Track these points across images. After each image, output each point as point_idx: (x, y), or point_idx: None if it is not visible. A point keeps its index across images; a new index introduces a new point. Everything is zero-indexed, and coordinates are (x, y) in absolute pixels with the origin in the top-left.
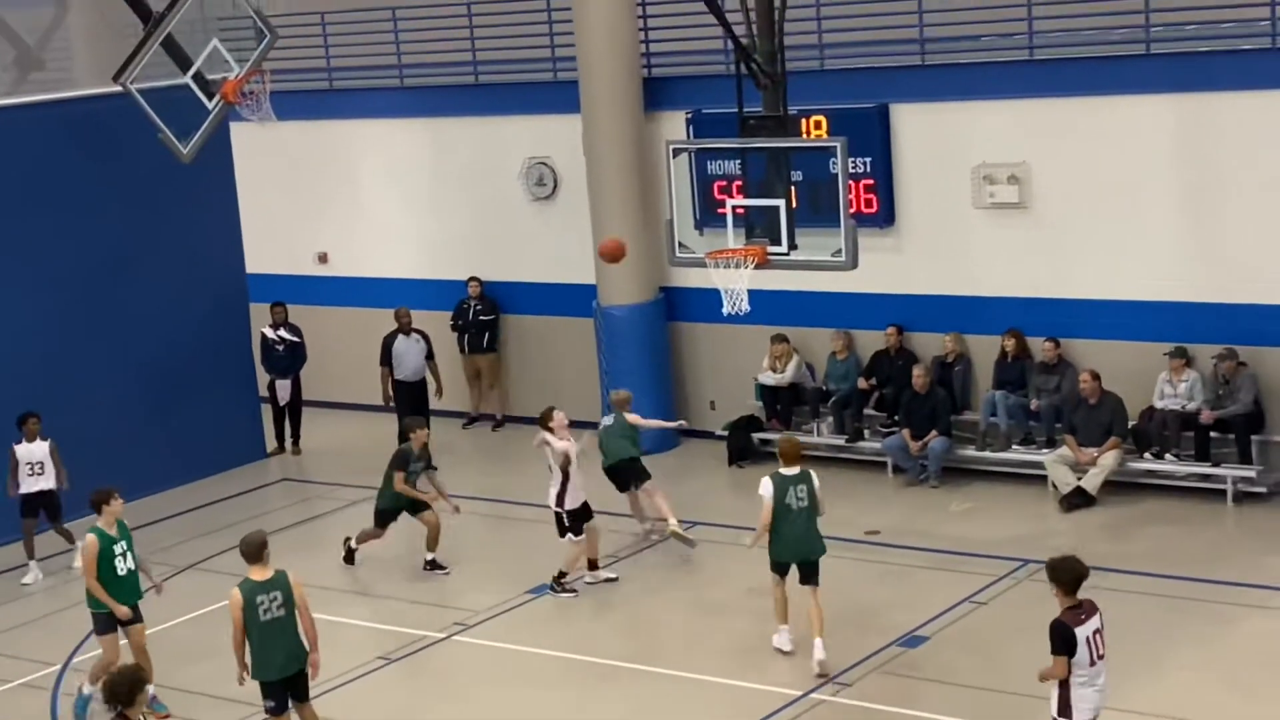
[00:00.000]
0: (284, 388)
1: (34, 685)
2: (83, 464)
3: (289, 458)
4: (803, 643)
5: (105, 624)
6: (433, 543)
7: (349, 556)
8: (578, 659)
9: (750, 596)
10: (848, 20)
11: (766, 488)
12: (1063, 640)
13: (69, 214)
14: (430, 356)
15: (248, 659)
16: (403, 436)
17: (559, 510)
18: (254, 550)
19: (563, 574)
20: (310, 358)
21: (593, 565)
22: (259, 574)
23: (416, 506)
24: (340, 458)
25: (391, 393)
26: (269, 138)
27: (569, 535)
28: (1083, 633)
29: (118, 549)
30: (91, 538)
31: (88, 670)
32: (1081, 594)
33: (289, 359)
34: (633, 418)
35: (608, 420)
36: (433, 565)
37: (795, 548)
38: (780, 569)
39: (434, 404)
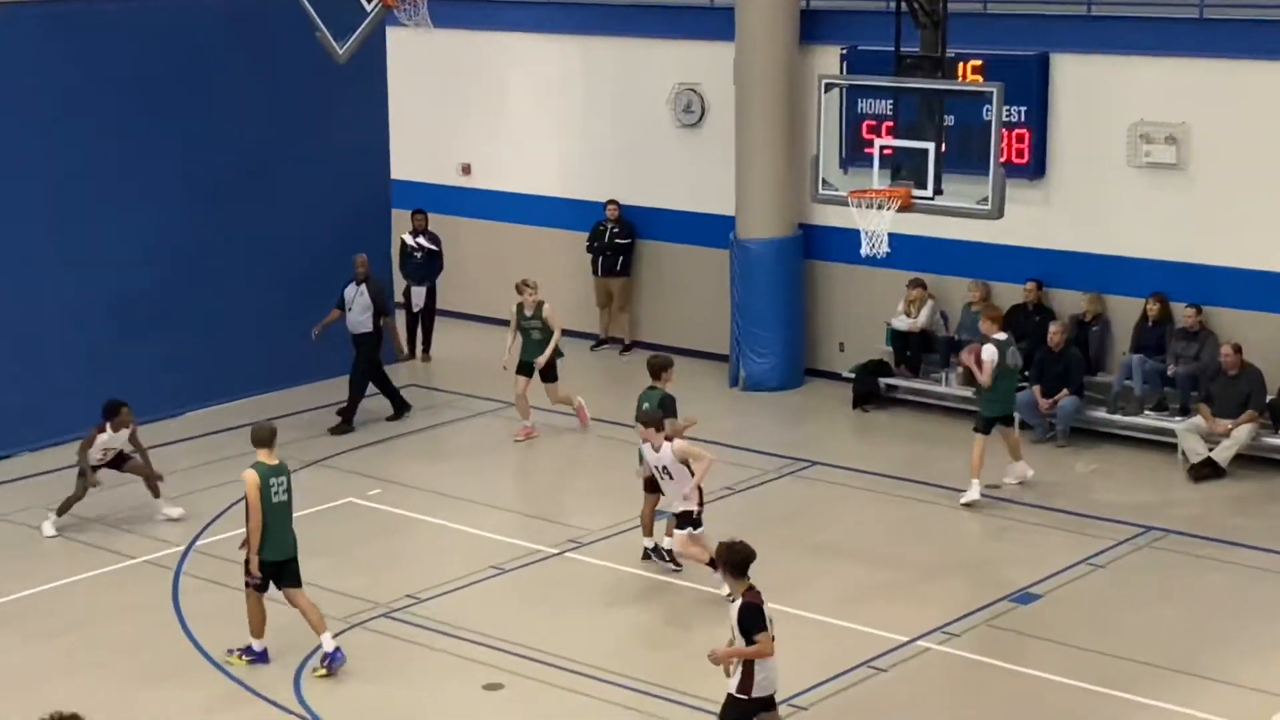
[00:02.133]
0: (419, 294)
1: (158, 564)
2: (216, 362)
3: (419, 364)
4: None
5: None
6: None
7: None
8: (682, 585)
9: (863, 539)
10: None
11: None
12: (759, 617)
13: (221, 108)
14: (386, 313)
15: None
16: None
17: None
18: (267, 436)
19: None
20: (446, 268)
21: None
22: (269, 459)
23: None
24: (469, 368)
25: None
26: (423, 45)
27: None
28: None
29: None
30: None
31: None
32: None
33: (425, 267)
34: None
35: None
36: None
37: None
38: (983, 425)
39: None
